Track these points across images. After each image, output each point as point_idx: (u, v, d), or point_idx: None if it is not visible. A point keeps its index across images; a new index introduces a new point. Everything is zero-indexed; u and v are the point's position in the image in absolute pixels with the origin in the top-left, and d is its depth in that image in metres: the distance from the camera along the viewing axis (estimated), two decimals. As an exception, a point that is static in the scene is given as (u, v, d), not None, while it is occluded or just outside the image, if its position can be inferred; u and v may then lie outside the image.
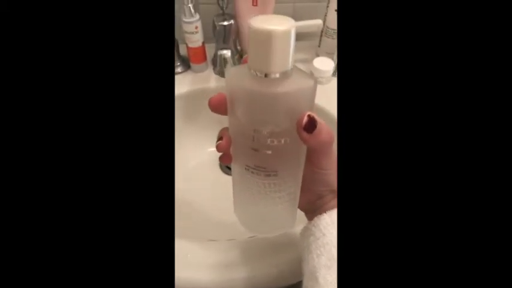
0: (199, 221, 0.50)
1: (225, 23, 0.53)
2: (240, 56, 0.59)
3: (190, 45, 0.53)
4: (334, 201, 0.26)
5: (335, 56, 0.55)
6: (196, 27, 0.51)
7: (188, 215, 0.50)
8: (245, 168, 0.23)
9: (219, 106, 0.22)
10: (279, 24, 0.17)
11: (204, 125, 0.57)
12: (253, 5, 0.52)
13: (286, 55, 0.18)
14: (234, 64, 0.56)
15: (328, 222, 0.25)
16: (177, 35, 0.54)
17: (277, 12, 0.56)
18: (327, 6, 0.54)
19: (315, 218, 0.26)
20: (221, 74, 0.56)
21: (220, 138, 0.24)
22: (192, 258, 0.34)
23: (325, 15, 0.55)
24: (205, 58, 0.56)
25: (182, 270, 0.32)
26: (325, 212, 0.25)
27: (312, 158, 0.24)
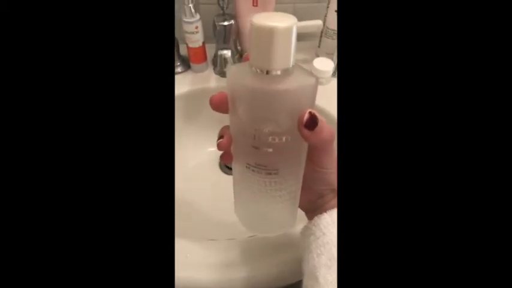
0: (199, 220, 0.50)
1: (226, 23, 0.53)
2: (240, 56, 0.59)
3: (190, 45, 0.53)
4: (335, 201, 0.26)
5: (335, 57, 0.55)
6: (197, 27, 0.51)
7: (188, 214, 0.50)
8: (246, 167, 0.23)
9: (220, 104, 0.22)
10: (281, 21, 0.17)
11: (204, 125, 0.57)
12: (253, 5, 0.52)
13: (288, 52, 0.18)
14: (234, 64, 0.56)
15: (329, 221, 0.25)
16: (177, 35, 0.54)
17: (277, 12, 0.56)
18: (327, 7, 0.54)
19: (315, 218, 0.26)
20: (221, 74, 0.56)
21: (221, 136, 0.24)
22: (192, 258, 0.34)
23: (325, 16, 0.55)
24: (205, 58, 0.56)
25: (182, 270, 0.32)
26: (326, 212, 0.25)
27: (313, 156, 0.24)
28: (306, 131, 0.21)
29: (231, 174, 0.27)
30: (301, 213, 0.29)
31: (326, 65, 0.53)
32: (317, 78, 0.20)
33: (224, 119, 0.24)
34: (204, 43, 0.54)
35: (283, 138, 0.21)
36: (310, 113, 0.20)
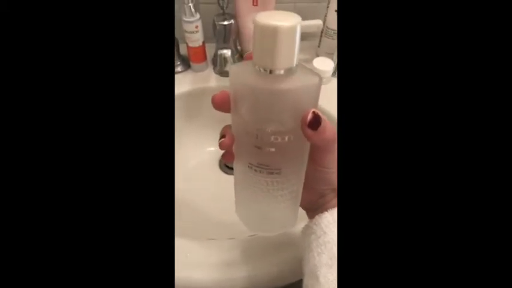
0: (199, 220, 0.50)
1: (225, 22, 0.53)
2: (240, 56, 0.59)
3: (190, 44, 0.53)
4: (336, 200, 0.26)
5: (335, 56, 0.55)
6: (197, 27, 0.51)
7: (188, 214, 0.50)
8: (248, 166, 0.23)
9: (222, 104, 0.22)
10: (285, 20, 0.17)
11: (204, 125, 0.57)
12: (253, 4, 0.52)
13: (292, 51, 0.18)
14: (234, 63, 0.56)
15: (330, 220, 0.25)
16: (177, 35, 0.54)
17: (277, 12, 0.56)
18: (327, 7, 0.54)
19: (316, 217, 0.26)
20: (221, 73, 0.56)
21: (222, 136, 0.24)
22: (192, 258, 0.34)
23: (325, 16, 0.55)
24: (205, 58, 0.56)
25: (182, 270, 0.32)
26: (327, 211, 0.25)
27: (315, 156, 0.24)
28: (309, 131, 0.21)
29: (231, 173, 0.27)
30: (301, 212, 0.29)
31: (326, 65, 0.53)
32: (320, 78, 0.20)
33: (224, 118, 0.24)
34: (204, 42, 0.54)
35: (286, 138, 0.21)
36: (313, 112, 0.20)
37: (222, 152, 0.25)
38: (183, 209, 0.49)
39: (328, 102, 0.48)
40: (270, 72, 0.19)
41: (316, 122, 0.20)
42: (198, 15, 0.50)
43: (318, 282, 0.23)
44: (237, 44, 0.59)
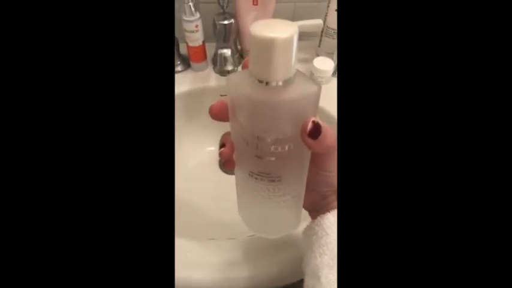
0: (199, 220, 0.50)
1: (226, 22, 0.53)
2: (240, 55, 0.59)
3: (190, 44, 0.53)
4: None
5: (335, 56, 0.55)
6: (197, 26, 0.51)
7: (188, 214, 0.50)
8: (249, 174, 0.23)
9: (220, 114, 0.22)
10: (281, 31, 0.17)
11: (204, 124, 0.57)
12: (253, 4, 0.52)
13: (289, 62, 0.18)
14: (234, 63, 0.56)
15: (332, 221, 0.25)
16: (177, 34, 0.54)
17: (277, 11, 0.56)
18: (328, 6, 0.54)
19: (318, 217, 0.26)
20: (221, 73, 0.56)
21: (222, 145, 0.23)
22: (192, 257, 0.34)
23: (326, 15, 0.55)
24: (205, 57, 0.56)
25: (182, 270, 0.32)
26: (329, 211, 0.25)
27: (317, 160, 0.24)
28: (309, 140, 0.20)
29: (231, 173, 0.27)
30: (303, 213, 0.29)
31: (326, 65, 0.53)
32: (320, 86, 0.19)
33: (225, 118, 0.24)
34: (204, 42, 0.54)
35: (286, 147, 0.21)
36: (313, 122, 0.20)
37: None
38: (183, 209, 0.49)
39: (328, 102, 0.49)
40: (268, 83, 0.18)
41: (316, 131, 0.20)
42: (198, 15, 0.50)
43: (320, 282, 0.23)
44: (237, 43, 0.58)
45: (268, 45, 0.17)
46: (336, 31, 0.55)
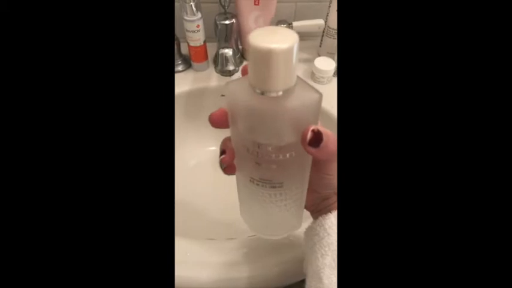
0: (200, 219, 0.50)
1: (227, 22, 0.53)
2: (241, 55, 0.59)
3: (191, 44, 0.53)
4: None
5: (336, 56, 0.55)
6: (198, 26, 0.51)
7: (188, 213, 0.50)
8: (250, 180, 0.23)
9: (220, 122, 0.22)
10: (281, 41, 0.16)
11: (205, 124, 0.56)
12: (255, 4, 0.52)
13: (289, 72, 0.17)
14: (235, 63, 0.56)
15: (333, 222, 0.25)
16: (178, 34, 0.54)
17: (279, 11, 0.56)
18: (329, 6, 0.54)
19: (320, 218, 0.26)
20: (222, 73, 0.56)
21: (223, 151, 0.23)
22: (192, 257, 0.34)
23: (327, 15, 0.55)
24: (206, 57, 0.56)
25: (182, 269, 0.32)
26: (330, 212, 0.25)
27: (319, 165, 0.23)
28: (311, 149, 0.20)
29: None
30: (305, 213, 0.29)
31: (327, 65, 0.53)
32: (321, 94, 0.19)
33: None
34: (205, 42, 0.54)
35: (288, 155, 0.20)
36: (313, 131, 0.19)
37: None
38: (183, 209, 0.49)
39: (329, 102, 0.48)
40: (267, 94, 0.18)
41: (317, 139, 0.20)
42: (199, 15, 0.50)
43: (322, 283, 0.23)
44: (239, 43, 0.58)
45: (267, 56, 0.16)
46: (337, 31, 0.55)
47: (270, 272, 0.33)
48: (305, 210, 0.28)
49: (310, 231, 0.27)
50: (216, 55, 0.56)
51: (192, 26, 0.50)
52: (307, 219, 0.28)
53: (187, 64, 0.57)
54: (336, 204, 0.26)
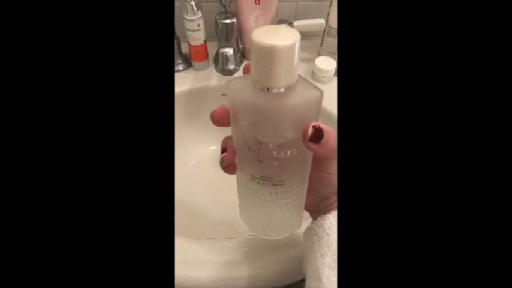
0: (200, 219, 0.50)
1: (228, 21, 0.53)
2: (242, 55, 0.59)
3: (192, 43, 0.53)
4: None
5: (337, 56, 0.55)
6: (199, 25, 0.50)
7: (188, 213, 0.50)
8: (250, 178, 0.23)
9: (221, 120, 0.22)
10: (283, 38, 0.16)
11: (205, 123, 0.56)
12: (255, 3, 0.52)
13: (291, 69, 0.18)
14: (236, 62, 0.56)
15: (333, 222, 0.25)
16: (179, 33, 0.54)
17: (280, 10, 0.56)
18: (330, 6, 0.54)
19: (319, 218, 0.26)
20: (223, 72, 0.56)
21: (224, 150, 0.23)
22: (192, 257, 0.34)
23: (328, 15, 0.55)
24: (207, 56, 0.56)
25: (182, 269, 0.32)
26: (330, 212, 0.25)
27: (319, 163, 0.23)
28: (312, 145, 0.20)
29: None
30: (305, 214, 0.29)
31: (328, 64, 0.53)
32: (321, 92, 0.19)
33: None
34: (205, 41, 0.54)
35: (288, 152, 0.21)
36: (314, 127, 0.20)
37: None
38: (184, 208, 0.49)
39: (329, 101, 0.48)
40: (269, 90, 0.18)
41: (317, 136, 0.20)
42: (200, 14, 0.50)
43: (321, 283, 0.23)
44: (239, 42, 0.58)
45: (269, 53, 0.16)
46: (337, 31, 0.54)
47: (270, 271, 0.33)
48: (305, 211, 0.28)
49: (309, 232, 0.27)
50: (217, 54, 0.56)
51: (192, 25, 0.50)
52: (307, 219, 0.28)
53: (188, 63, 0.57)
54: (335, 205, 0.26)
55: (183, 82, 0.55)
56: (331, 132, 0.20)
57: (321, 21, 0.55)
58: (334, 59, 0.54)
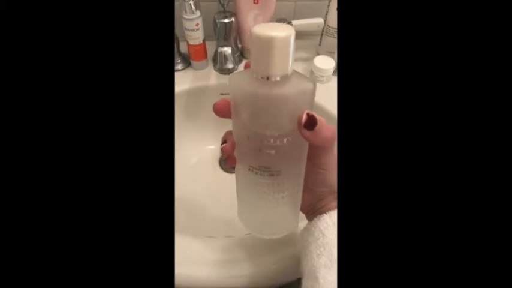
0: (199, 217, 0.50)
1: (226, 20, 0.53)
2: (240, 54, 0.59)
3: (191, 42, 0.53)
4: (335, 203, 0.26)
5: (336, 55, 0.55)
6: (197, 25, 0.50)
7: (188, 211, 0.50)
8: (249, 169, 0.24)
9: (223, 111, 0.23)
10: (280, 31, 0.18)
11: (205, 122, 0.57)
12: (254, 2, 0.52)
13: (286, 59, 0.20)
14: (234, 61, 0.56)
15: (328, 222, 0.25)
16: (178, 32, 0.54)
17: (278, 10, 0.56)
18: (328, 5, 0.54)
19: (315, 219, 0.26)
20: (221, 71, 0.56)
21: (224, 141, 0.25)
22: (192, 255, 0.34)
23: (326, 14, 0.55)
24: (205, 55, 0.56)
25: (182, 267, 0.33)
26: (325, 213, 0.26)
27: (313, 156, 0.24)
28: (306, 132, 0.21)
29: (230, 172, 0.27)
30: (301, 215, 0.29)
31: (327, 63, 0.53)
32: (315, 83, 0.21)
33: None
34: (204, 40, 0.54)
35: (285, 140, 0.22)
36: (307, 114, 0.21)
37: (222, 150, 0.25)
38: (183, 207, 0.49)
39: (328, 101, 0.49)
40: (267, 78, 0.20)
41: (311, 122, 0.21)
42: (198, 13, 0.50)
43: (318, 283, 0.23)
44: (238, 41, 0.58)
45: (267, 43, 0.18)
46: (337, 30, 0.55)
47: (269, 269, 0.34)
48: (301, 212, 0.29)
49: (305, 232, 0.27)
50: (215, 53, 0.56)
51: (191, 25, 0.50)
52: (303, 220, 0.29)
53: (187, 63, 0.57)
54: (330, 205, 0.26)
55: (182, 81, 0.55)
56: (324, 121, 0.22)
57: (320, 20, 0.55)
58: (333, 59, 0.54)
